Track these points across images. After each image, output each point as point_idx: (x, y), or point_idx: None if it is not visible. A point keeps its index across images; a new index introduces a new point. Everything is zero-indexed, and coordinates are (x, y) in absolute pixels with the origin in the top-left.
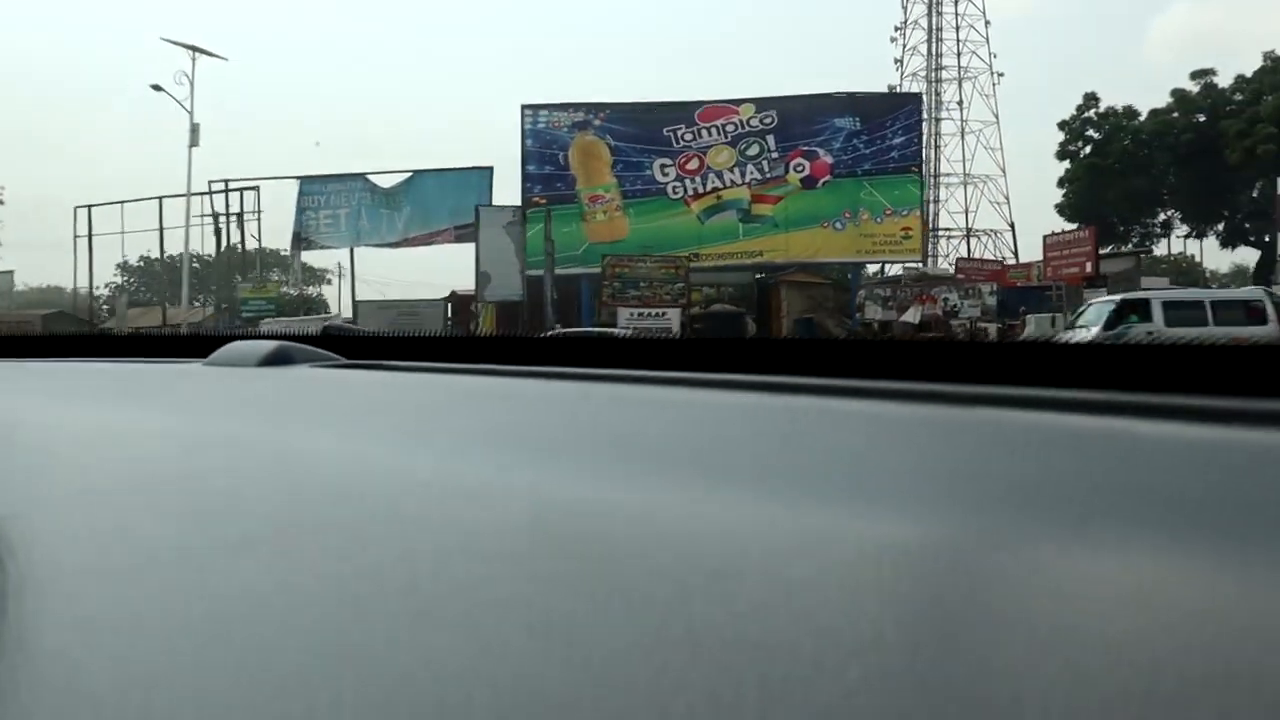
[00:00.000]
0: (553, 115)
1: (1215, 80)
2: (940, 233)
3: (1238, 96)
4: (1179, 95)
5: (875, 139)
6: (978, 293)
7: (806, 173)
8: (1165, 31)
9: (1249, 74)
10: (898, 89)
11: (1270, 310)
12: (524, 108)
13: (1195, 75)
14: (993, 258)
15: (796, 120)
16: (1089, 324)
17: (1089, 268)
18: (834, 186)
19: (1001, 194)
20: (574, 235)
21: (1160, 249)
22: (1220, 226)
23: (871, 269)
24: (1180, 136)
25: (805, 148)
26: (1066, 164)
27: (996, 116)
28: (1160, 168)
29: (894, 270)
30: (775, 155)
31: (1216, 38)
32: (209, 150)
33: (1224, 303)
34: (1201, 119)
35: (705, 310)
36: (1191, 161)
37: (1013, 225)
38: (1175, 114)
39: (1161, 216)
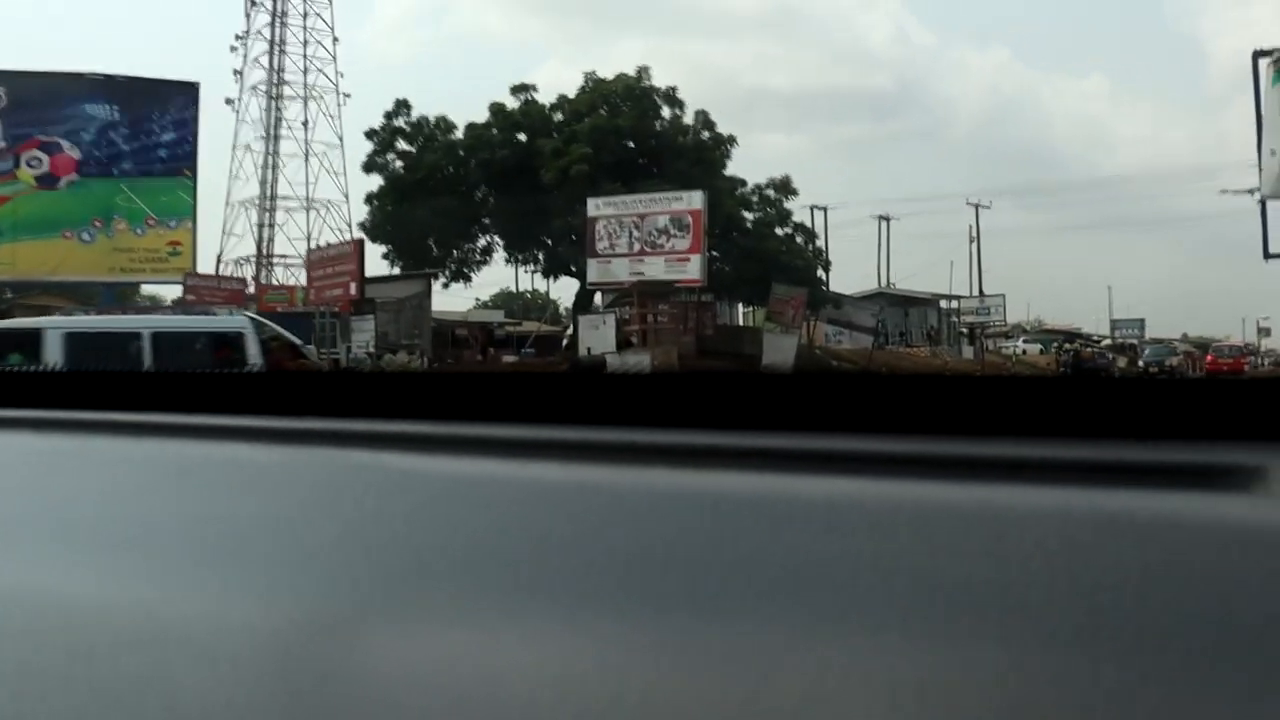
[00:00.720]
0: None
1: (536, 97)
2: (277, 260)
3: (558, 116)
4: (497, 110)
5: (138, 133)
6: None
7: (44, 169)
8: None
9: (571, 94)
10: (236, 103)
11: (253, 344)
12: None
13: (515, 90)
14: (239, 277)
15: (34, 103)
16: None
17: (354, 289)
18: (82, 188)
19: (344, 220)
20: None
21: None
22: (540, 254)
23: (146, 291)
24: (497, 153)
25: (45, 138)
26: (377, 179)
27: (341, 139)
28: (477, 186)
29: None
30: (3, 144)
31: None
32: None
33: (184, 335)
34: (521, 137)
35: None
36: (509, 182)
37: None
38: (493, 130)
39: (482, 241)
